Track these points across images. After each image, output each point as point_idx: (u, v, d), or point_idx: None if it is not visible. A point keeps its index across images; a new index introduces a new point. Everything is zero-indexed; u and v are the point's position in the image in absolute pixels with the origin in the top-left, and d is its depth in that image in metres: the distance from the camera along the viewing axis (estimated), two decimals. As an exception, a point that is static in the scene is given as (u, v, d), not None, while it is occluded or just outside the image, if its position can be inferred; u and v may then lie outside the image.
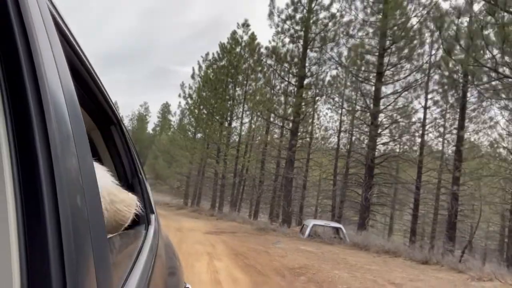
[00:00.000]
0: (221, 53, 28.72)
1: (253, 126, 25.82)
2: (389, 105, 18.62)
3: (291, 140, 19.07)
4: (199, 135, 31.84)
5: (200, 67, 31.99)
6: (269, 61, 21.42)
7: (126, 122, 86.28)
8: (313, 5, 19.50)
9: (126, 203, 1.12)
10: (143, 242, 1.28)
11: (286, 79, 20.81)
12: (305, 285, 6.96)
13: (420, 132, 18.52)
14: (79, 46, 0.86)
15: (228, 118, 28.27)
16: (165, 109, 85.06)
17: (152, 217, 1.79)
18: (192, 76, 32.61)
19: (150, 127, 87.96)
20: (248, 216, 26.54)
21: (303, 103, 19.89)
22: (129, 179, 1.60)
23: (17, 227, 0.37)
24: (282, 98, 21.53)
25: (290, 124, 20.07)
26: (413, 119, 18.71)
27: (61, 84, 0.52)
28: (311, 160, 24.08)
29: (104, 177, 1.12)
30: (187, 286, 2.13)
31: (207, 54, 32.11)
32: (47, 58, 0.49)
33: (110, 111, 1.39)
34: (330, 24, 19.05)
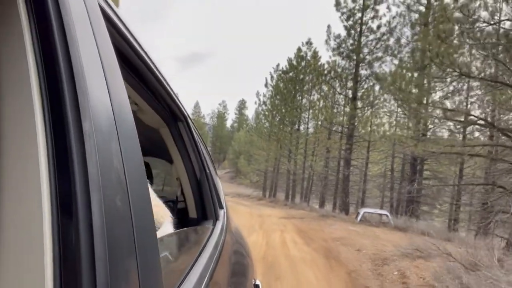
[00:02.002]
0: (288, 67, 33.55)
1: (317, 131, 30.29)
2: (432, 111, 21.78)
3: (347, 143, 23.24)
4: (273, 137, 37.17)
5: (272, 77, 37.26)
6: (328, 77, 25.71)
7: (207, 119, 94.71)
8: (363, 28, 23.33)
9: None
10: (208, 238, 1.29)
11: (342, 92, 24.93)
12: (336, 245, 11.58)
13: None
14: (141, 48, 0.87)
15: (296, 124, 33.10)
16: (242, 106, 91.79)
17: (221, 212, 1.78)
18: (265, 85, 37.99)
19: (228, 124, 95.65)
20: (318, 206, 31.09)
21: (358, 112, 23.89)
22: (197, 175, 1.61)
23: (51, 227, 0.38)
24: (341, 107, 25.69)
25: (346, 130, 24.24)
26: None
27: (105, 80, 0.52)
28: (370, 157, 27.80)
29: None
30: (256, 283, 2.09)
31: (278, 65, 37.21)
32: (88, 52, 0.49)
33: (176, 108, 1.42)
34: (378, 45, 22.74)
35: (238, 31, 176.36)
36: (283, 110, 33.31)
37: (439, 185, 19.68)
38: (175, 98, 1.34)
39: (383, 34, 22.73)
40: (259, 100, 38.05)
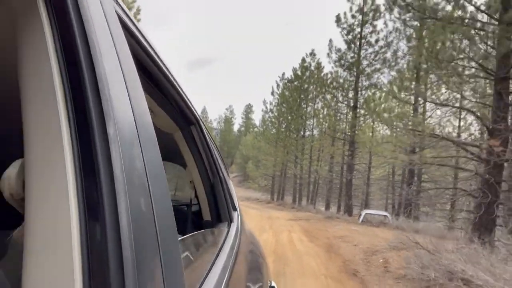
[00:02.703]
0: (293, 76, 35.38)
1: (321, 138, 32.06)
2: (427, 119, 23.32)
3: (349, 149, 24.92)
4: (280, 143, 38.97)
5: (278, 85, 39.08)
6: (330, 87, 27.47)
7: (214, 124, 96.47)
8: (362, 42, 25.05)
9: None
10: (224, 240, 1.31)
11: (344, 101, 26.69)
12: (338, 242, 13.26)
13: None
14: (154, 51, 0.90)
15: (302, 131, 34.90)
16: (248, 110, 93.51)
17: (235, 214, 1.80)
18: (272, 93, 39.80)
19: (235, 128, 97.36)
20: (324, 208, 32.72)
21: (360, 120, 25.59)
22: (210, 178, 1.62)
23: (79, 229, 0.39)
24: (343, 115, 27.42)
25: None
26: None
27: (126, 86, 0.54)
28: (373, 161, 29.45)
29: None
30: (272, 284, 2.10)
31: (283, 74, 39.09)
32: (110, 60, 0.51)
33: (189, 111, 1.43)
34: (376, 57, 24.46)
35: (242, 34, 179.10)
36: (289, 118, 35.15)
37: (425, 189, 21.26)
38: (188, 102, 1.36)
39: (381, 47, 24.43)
40: (266, 107, 40.01)
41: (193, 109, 1.48)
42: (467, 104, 10.83)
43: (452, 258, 5.92)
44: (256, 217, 21.31)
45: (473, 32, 8.07)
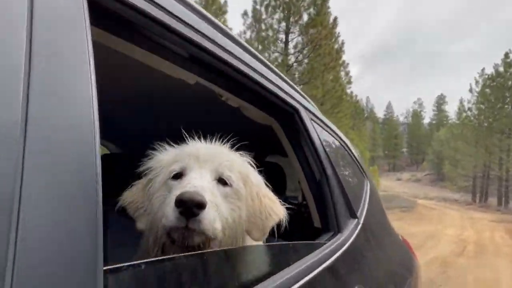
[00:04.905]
0: (495, 73, 33.73)
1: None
2: None
3: None
4: (480, 144, 37.45)
5: (476, 82, 37.64)
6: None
7: (401, 119, 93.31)
8: None
9: (273, 201, 1.03)
10: (310, 255, 1.05)
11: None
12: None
13: None
14: (245, 48, 0.88)
15: (506, 132, 32.99)
16: (441, 101, 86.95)
17: (351, 223, 1.47)
18: (470, 91, 38.59)
19: (425, 121, 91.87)
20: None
21: None
22: (316, 177, 1.40)
23: None
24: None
25: None
26: None
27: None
28: None
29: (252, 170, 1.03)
30: None
31: (483, 69, 37.40)
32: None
33: (282, 102, 1.30)
34: None
35: (422, 21, 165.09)
36: (490, 119, 33.74)
37: None
38: (283, 91, 1.26)
39: None
40: (463, 106, 39.05)
41: (291, 98, 1.35)
42: None
43: None
44: (457, 218, 23.34)
45: None
